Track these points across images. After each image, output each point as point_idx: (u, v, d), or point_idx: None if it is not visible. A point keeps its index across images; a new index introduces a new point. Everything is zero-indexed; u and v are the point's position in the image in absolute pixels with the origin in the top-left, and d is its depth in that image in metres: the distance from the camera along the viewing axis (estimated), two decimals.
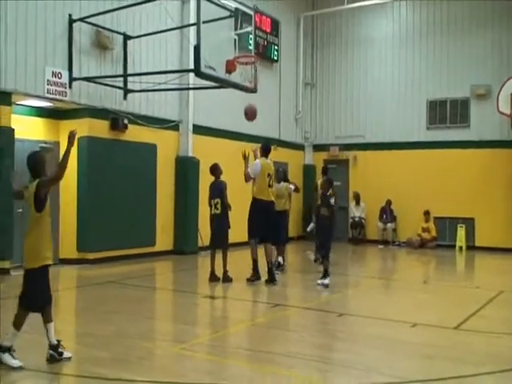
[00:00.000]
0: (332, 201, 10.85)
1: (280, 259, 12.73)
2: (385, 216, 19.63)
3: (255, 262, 11.11)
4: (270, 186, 11.18)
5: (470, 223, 18.48)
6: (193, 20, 14.35)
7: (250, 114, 11.55)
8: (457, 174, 18.56)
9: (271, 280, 10.96)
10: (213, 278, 11.07)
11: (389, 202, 19.56)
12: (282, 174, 13.29)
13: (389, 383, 5.56)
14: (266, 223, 11.01)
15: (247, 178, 11.04)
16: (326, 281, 10.62)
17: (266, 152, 11.44)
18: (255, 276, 11.08)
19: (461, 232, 18.37)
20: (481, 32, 18.82)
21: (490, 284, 11.92)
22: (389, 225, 19.54)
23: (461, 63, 19.08)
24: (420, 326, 7.89)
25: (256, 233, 11.03)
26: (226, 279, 11.05)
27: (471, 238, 18.46)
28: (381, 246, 19.05)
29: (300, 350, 6.75)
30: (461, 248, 18.28)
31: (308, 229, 17.04)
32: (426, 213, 18.92)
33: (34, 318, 8.03)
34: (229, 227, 11.40)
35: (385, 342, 7.11)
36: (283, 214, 12.66)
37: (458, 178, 18.53)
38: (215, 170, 11.49)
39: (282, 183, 13.04)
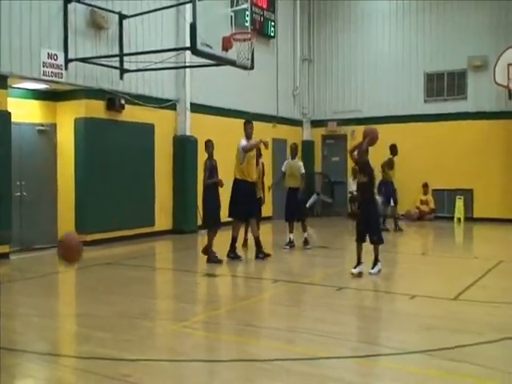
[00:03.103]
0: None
1: (306, 235, 12.89)
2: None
3: (234, 239, 11.24)
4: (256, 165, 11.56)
5: (468, 195, 18.54)
6: None
7: None
8: (455, 145, 18.58)
9: (260, 256, 11.20)
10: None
11: None
12: (295, 150, 13.32)
13: (389, 354, 5.64)
14: (250, 203, 11.21)
15: (247, 149, 11.01)
16: (376, 269, 9.52)
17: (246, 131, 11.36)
18: (234, 254, 11.24)
19: (459, 203, 18.43)
20: (477, 3, 18.67)
21: (489, 254, 12.00)
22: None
23: (457, 35, 18.99)
24: (419, 298, 7.97)
25: (241, 213, 11.15)
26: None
27: (469, 209, 18.54)
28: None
29: (300, 324, 6.85)
30: (459, 219, 18.37)
31: (307, 204, 17.10)
32: (425, 185, 18.97)
33: (38, 303, 8.14)
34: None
35: (384, 315, 7.20)
36: (296, 191, 12.75)
37: (455, 150, 18.56)
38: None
39: (296, 160, 13.07)
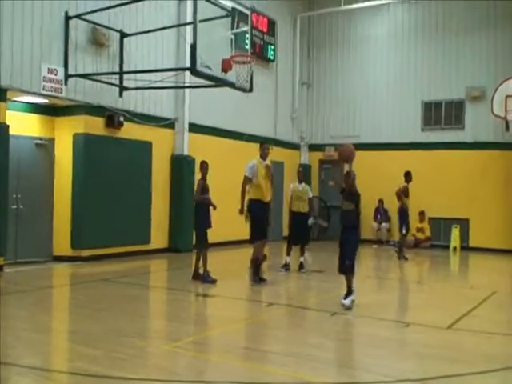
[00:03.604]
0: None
1: (302, 259, 12.89)
2: (379, 216, 19.73)
3: (258, 261, 11.01)
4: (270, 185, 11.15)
5: (464, 224, 18.55)
6: (189, 19, 14.37)
7: None
8: (451, 175, 18.63)
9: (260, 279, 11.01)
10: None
11: (381, 202, 19.68)
12: (302, 174, 13.41)
13: (382, 382, 5.58)
14: (266, 222, 11.01)
15: (245, 181, 11.01)
16: (348, 300, 8.87)
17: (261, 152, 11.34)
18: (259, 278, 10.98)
19: (455, 232, 18.44)
20: (476, 34, 18.88)
21: (484, 284, 11.96)
22: (383, 224, 19.62)
23: (456, 65, 19.15)
24: (413, 326, 7.92)
25: (259, 232, 10.93)
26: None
27: (465, 238, 18.54)
28: (375, 246, 19.10)
29: (293, 348, 6.77)
30: (455, 248, 18.35)
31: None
32: (421, 213, 18.99)
33: (31, 317, 8.06)
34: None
35: (378, 342, 7.13)
36: (303, 216, 12.81)
37: (452, 179, 18.61)
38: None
39: (303, 184, 13.11)
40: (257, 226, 10.86)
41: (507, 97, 16.66)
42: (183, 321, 8.22)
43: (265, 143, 11.54)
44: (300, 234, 12.74)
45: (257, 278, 10.89)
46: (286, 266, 12.73)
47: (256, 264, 10.98)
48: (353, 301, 8.81)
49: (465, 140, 18.79)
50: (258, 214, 10.82)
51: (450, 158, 18.74)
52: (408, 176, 15.72)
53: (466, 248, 18.25)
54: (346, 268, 8.86)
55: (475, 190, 18.25)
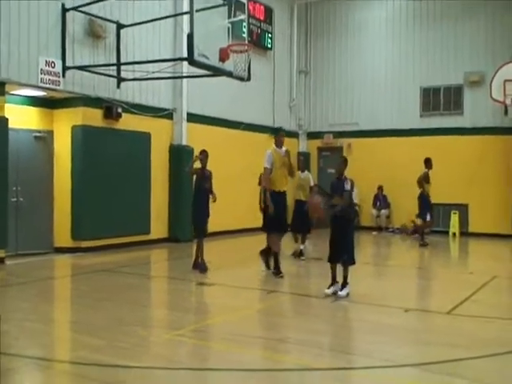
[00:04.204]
0: (347, 186, 8.99)
1: (302, 247, 12.90)
2: (378, 203, 19.76)
3: (277, 255, 10.67)
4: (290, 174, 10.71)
5: (463, 209, 18.58)
6: (186, 8, 14.31)
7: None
8: (451, 160, 18.63)
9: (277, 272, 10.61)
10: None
11: (380, 189, 19.71)
12: (303, 163, 13.44)
13: (381, 367, 5.64)
14: (280, 214, 10.56)
15: (266, 172, 10.51)
16: (344, 291, 8.83)
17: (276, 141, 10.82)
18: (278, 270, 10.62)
19: (454, 218, 18.47)
20: (474, 19, 18.82)
21: (483, 269, 12.01)
22: (382, 211, 19.66)
23: (454, 50, 19.11)
24: (413, 312, 7.98)
25: (273, 224, 10.57)
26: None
27: (465, 224, 18.57)
28: (374, 233, 19.15)
29: (294, 335, 6.84)
30: (454, 234, 18.40)
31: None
32: None
33: (33, 308, 8.13)
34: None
35: (378, 327, 7.19)
36: (305, 204, 12.36)
37: (451, 164, 18.61)
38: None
39: (306, 172, 13.14)
40: (270, 218, 10.52)
41: (506, 81, 16.61)
42: (184, 310, 8.28)
43: (280, 130, 11.20)
44: (301, 222, 12.75)
45: (276, 270, 10.60)
46: (301, 253, 12.79)
47: (265, 255, 10.87)
48: (348, 293, 8.75)
49: (464, 125, 18.79)
50: (274, 205, 10.41)
51: (448, 144, 18.74)
52: (428, 162, 15.71)
53: (465, 234, 18.30)
54: (346, 262, 8.83)
55: (474, 176, 18.27)
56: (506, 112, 17.27)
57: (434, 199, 18.84)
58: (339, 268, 8.89)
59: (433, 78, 19.46)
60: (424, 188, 15.65)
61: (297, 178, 12.77)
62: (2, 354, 5.37)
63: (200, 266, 10.93)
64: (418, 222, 18.85)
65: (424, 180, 15.62)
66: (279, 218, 10.47)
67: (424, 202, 15.75)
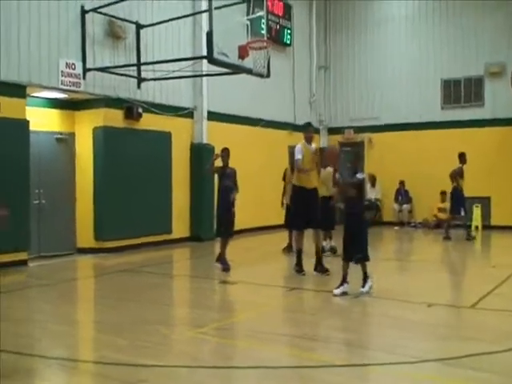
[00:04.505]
0: (360, 175, 8.78)
1: (325, 243, 12.70)
2: (400, 197, 19.66)
3: (299, 252, 10.52)
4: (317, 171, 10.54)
5: (485, 202, 18.38)
6: (205, 7, 14.32)
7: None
8: (472, 153, 18.34)
9: (321, 270, 10.34)
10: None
11: (402, 183, 19.60)
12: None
13: (406, 363, 5.62)
14: (308, 211, 10.24)
15: (298, 164, 10.28)
16: (366, 287, 8.68)
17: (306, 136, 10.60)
18: (300, 268, 10.49)
19: (477, 211, 18.26)
20: (494, 10, 18.61)
21: (507, 263, 11.88)
22: (404, 206, 19.55)
23: (474, 41, 18.93)
24: (436, 306, 7.93)
25: (297, 222, 10.46)
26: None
27: (487, 217, 18.38)
28: (396, 228, 19.06)
29: (317, 332, 6.86)
30: (477, 227, 18.20)
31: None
32: (443, 193, 18.81)
33: (55, 309, 8.23)
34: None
35: (401, 323, 7.17)
36: (327, 200, 12.21)
37: (473, 157, 18.31)
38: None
39: (328, 168, 13.07)
40: (295, 215, 10.48)
41: None
42: (207, 308, 8.32)
43: (309, 126, 10.95)
44: (324, 218, 12.57)
45: (298, 267, 10.47)
46: (332, 250, 12.74)
47: (298, 254, 10.55)
48: (371, 287, 8.66)
49: (485, 117, 18.60)
50: (298, 202, 10.33)
51: (470, 136, 18.53)
52: (463, 157, 15.57)
53: (487, 227, 18.11)
54: (360, 260, 8.60)
55: (496, 168, 18.05)
56: None
57: None
58: (354, 267, 8.69)
59: (453, 70, 19.29)
60: (458, 183, 15.52)
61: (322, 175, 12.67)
62: (25, 354, 5.45)
63: (223, 263, 10.88)
64: (441, 215, 18.74)
65: (458, 175, 15.48)
66: (303, 215, 10.23)
67: (458, 196, 15.61)
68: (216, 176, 11.41)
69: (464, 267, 11.81)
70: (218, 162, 11.10)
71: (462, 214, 15.72)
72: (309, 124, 10.91)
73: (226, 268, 10.81)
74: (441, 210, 18.89)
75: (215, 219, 11.49)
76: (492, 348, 5.96)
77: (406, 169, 19.52)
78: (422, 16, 19.99)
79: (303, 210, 10.23)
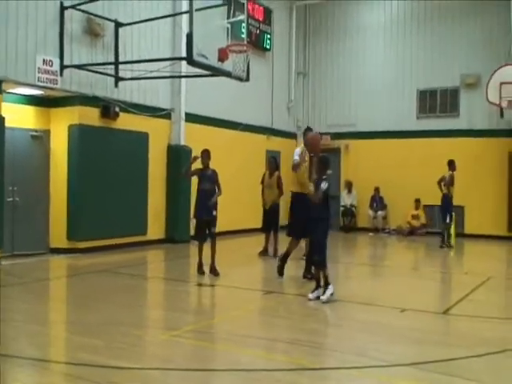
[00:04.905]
0: (324, 185, 8.51)
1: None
2: (375, 204, 19.80)
3: (287, 256, 10.36)
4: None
5: (459, 211, 18.56)
6: (185, 8, 14.28)
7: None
8: (446, 162, 18.63)
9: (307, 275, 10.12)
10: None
11: (377, 190, 19.75)
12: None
13: (378, 366, 5.64)
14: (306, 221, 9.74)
15: (295, 166, 10.06)
16: (328, 293, 8.48)
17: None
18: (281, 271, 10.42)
19: None
20: (470, 21, 18.89)
21: (479, 270, 12.03)
22: (379, 212, 19.69)
23: (451, 52, 19.17)
24: (409, 311, 7.99)
25: (295, 230, 10.16)
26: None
27: (460, 225, 18.56)
28: (371, 234, 19.20)
29: (291, 335, 6.84)
30: (450, 235, 18.39)
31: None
32: (417, 200, 19.08)
33: (29, 309, 8.12)
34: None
35: (374, 327, 7.20)
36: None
37: (447, 166, 18.61)
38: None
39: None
40: (294, 223, 10.15)
41: (502, 84, 16.63)
42: (181, 310, 8.27)
43: (309, 130, 10.65)
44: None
45: (281, 270, 10.44)
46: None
47: (284, 259, 10.41)
48: (332, 294, 8.47)
49: (460, 127, 18.84)
50: (298, 209, 9.92)
51: (445, 146, 18.74)
52: (452, 164, 15.71)
53: (461, 235, 18.28)
54: (317, 264, 8.60)
55: (470, 178, 18.26)
56: (501, 115, 17.30)
57: (430, 201, 18.94)
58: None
59: (429, 81, 19.53)
60: (449, 190, 15.67)
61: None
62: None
63: (199, 270, 10.69)
64: (414, 222, 18.90)
65: (449, 182, 15.62)
66: (302, 222, 9.51)
67: (447, 203, 15.75)
68: (195, 178, 11.27)
69: (437, 274, 11.92)
70: (197, 165, 10.97)
71: (448, 221, 15.84)
72: (309, 129, 10.69)
73: (203, 272, 10.65)
74: (414, 217, 19.11)
75: (195, 223, 11.19)
76: (464, 353, 6.02)
77: (381, 176, 19.67)
78: (400, 26, 20.20)
79: (303, 216, 9.45)
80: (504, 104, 16.74)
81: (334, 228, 19.56)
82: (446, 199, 15.75)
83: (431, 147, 18.99)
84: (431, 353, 6.08)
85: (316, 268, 8.67)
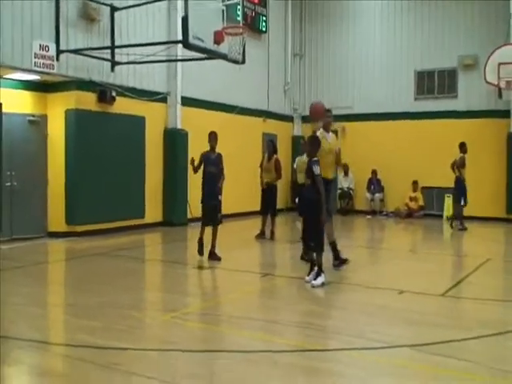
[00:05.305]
0: (316, 169, 8.41)
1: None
2: (372, 187, 19.80)
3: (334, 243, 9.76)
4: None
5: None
6: None
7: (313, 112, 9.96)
8: (445, 144, 18.61)
9: (335, 264, 9.64)
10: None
11: (374, 173, 19.74)
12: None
13: (376, 348, 5.69)
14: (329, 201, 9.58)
15: None
16: (319, 280, 8.34)
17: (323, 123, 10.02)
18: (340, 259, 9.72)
19: (448, 202, 18.49)
20: (468, 2, 18.77)
21: (478, 252, 12.08)
22: (376, 195, 19.70)
23: (448, 33, 19.10)
24: (407, 293, 8.03)
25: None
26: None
27: None
28: (369, 217, 19.22)
29: (290, 317, 6.89)
30: (448, 217, 18.44)
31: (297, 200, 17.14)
32: (414, 182, 19.08)
33: (28, 292, 8.16)
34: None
35: (373, 309, 7.24)
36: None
37: (445, 148, 18.56)
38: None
39: (305, 156, 12.97)
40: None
41: (500, 64, 16.57)
42: (180, 292, 8.31)
43: (328, 111, 10.16)
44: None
45: (340, 260, 9.70)
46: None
47: (333, 247, 9.76)
48: (323, 283, 8.32)
49: (458, 109, 18.81)
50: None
51: (443, 127, 18.75)
52: (463, 147, 15.66)
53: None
54: (312, 249, 8.48)
55: (468, 159, 18.24)
56: (500, 95, 17.27)
57: (427, 183, 18.97)
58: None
59: (427, 62, 19.45)
60: (461, 172, 15.67)
61: (300, 162, 12.57)
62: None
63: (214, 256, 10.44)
64: (412, 204, 18.92)
65: (461, 165, 15.63)
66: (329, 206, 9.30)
67: (460, 186, 15.78)
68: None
69: (435, 256, 11.93)
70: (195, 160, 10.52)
71: (462, 203, 15.85)
72: (327, 110, 10.25)
73: (217, 258, 10.39)
74: (412, 199, 19.14)
75: (201, 208, 10.74)
76: (463, 335, 6.06)
77: (378, 158, 19.67)
78: (397, 7, 20.07)
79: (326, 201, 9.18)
80: (502, 84, 16.70)
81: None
82: (459, 182, 15.74)
83: (429, 129, 18.97)
84: (429, 334, 6.13)
85: (313, 251, 8.51)
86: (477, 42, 18.50)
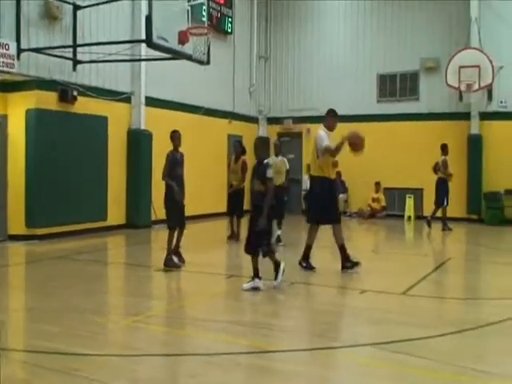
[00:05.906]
0: (269, 172, 8.12)
1: (279, 232, 12.66)
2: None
3: (308, 247, 9.71)
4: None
5: (418, 194, 18.89)
6: None
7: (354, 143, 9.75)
8: (407, 146, 18.90)
9: (347, 266, 9.56)
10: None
11: (338, 174, 19.82)
12: (279, 148, 13.25)
13: (339, 347, 5.71)
14: (328, 203, 9.52)
15: (329, 149, 9.46)
16: (250, 284, 8.16)
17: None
18: (307, 263, 9.67)
19: (409, 202, 18.78)
20: (430, 5, 19.05)
21: (438, 251, 12.26)
22: (340, 196, 19.76)
23: (411, 35, 19.36)
24: (369, 293, 8.09)
25: (314, 216, 9.68)
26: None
27: (419, 208, 18.89)
28: None
29: (253, 318, 6.89)
30: (409, 218, 18.70)
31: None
32: (377, 183, 19.29)
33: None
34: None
35: (334, 309, 7.29)
36: (282, 190, 12.09)
37: (407, 150, 18.89)
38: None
39: (281, 157, 12.97)
40: (326, 209, 9.46)
41: (461, 67, 16.86)
42: (143, 296, 8.21)
43: (331, 111, 10.14)
44: (278, 208, 12.24)
45: (304, 263, 9.70)
46: (278, 239, 12.62)
47: (343, 250, 9.64)
48: (254, 288, 8.10)
49: (420, 111, 19.05)
50: (326, 194, 9.46)
51: (405, 130, 19.00)
52: (445, 149, 15.85)
53: (420, 217, 18.58)
54: (265, 253, 8.24)
55: (429, 161, 18.43)
56: (460, 98, 17.57)
57: (390, 184, 19.18)
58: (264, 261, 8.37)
59: (389, 65, 19.71)
60: (445, 174, 15.80)
61: (273, 163, 12.34)
62: None
63: (170, 263, 9.88)
64: (375, 205, 19.10)
65: (443, 167, 15.77)
66: (328, 206, 9.42)
67: (442, 187, 15.95)
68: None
69: (397, 255, 12.07)
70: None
71: (445, 204, 16.01)
72: (332, 110, 10.20)
73: (178, 266, 9.96)
74: (375, 200, 19.35)
75: (171, 210, 10.04)
76: (425, 333, 6.12)
77: (342, 160, 19.56)
78: (360, 10, 20.29)
79: (324, 200, 9.36)
80: (463, 87, 16.99)
81: (297, 212, 19.68)
82: (442, 183, 15.89)
83: (392, 131, 19.19)
84: (391, 333, 6.17)
85: (267, 256, 8.30)
86: (438, 45, 18.79)
